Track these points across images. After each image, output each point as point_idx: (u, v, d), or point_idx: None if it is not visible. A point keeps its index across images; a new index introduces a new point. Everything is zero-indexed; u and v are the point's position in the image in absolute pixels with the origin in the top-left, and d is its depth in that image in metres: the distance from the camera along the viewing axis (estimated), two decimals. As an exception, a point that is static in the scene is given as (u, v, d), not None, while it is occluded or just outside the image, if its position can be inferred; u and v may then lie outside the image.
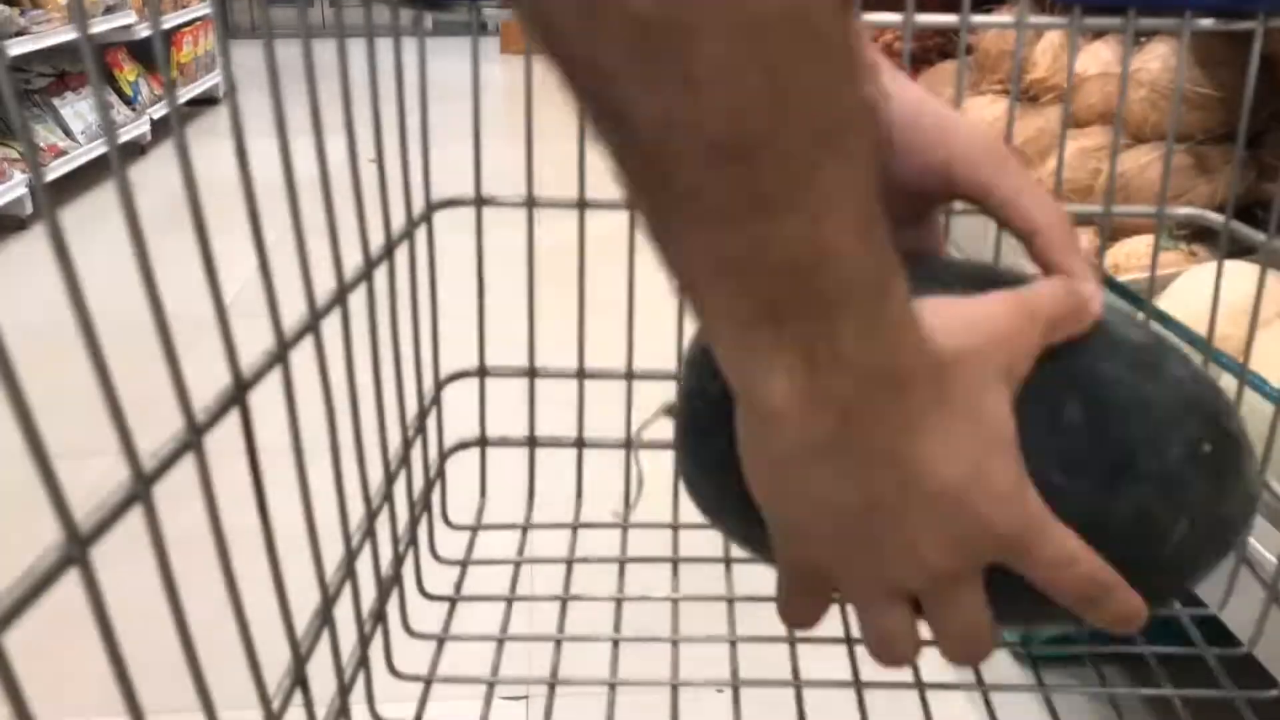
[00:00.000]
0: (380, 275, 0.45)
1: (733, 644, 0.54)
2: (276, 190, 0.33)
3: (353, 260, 0.42)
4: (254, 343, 0.34)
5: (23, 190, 3.23)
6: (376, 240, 0.45)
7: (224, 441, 0.34)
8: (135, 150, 4.36)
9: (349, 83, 0.39)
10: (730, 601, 0.57)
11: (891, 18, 0.51)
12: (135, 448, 0.26)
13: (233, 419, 0.32)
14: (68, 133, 3.89)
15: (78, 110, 3.86)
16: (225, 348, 0.31)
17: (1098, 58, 1.21)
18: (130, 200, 0.26)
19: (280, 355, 0.35)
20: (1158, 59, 1.09)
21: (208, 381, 0.30)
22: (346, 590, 0.43)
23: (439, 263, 0.55)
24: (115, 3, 4.16)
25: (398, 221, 0.49)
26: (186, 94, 4.93)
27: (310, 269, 0.36)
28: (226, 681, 0.37)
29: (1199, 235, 1.11)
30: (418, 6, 0.50)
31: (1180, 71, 0.50)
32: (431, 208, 0.55)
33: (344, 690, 0.43)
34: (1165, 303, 0.86)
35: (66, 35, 3.59)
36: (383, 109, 0.43)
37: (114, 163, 0.25)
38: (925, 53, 1.95)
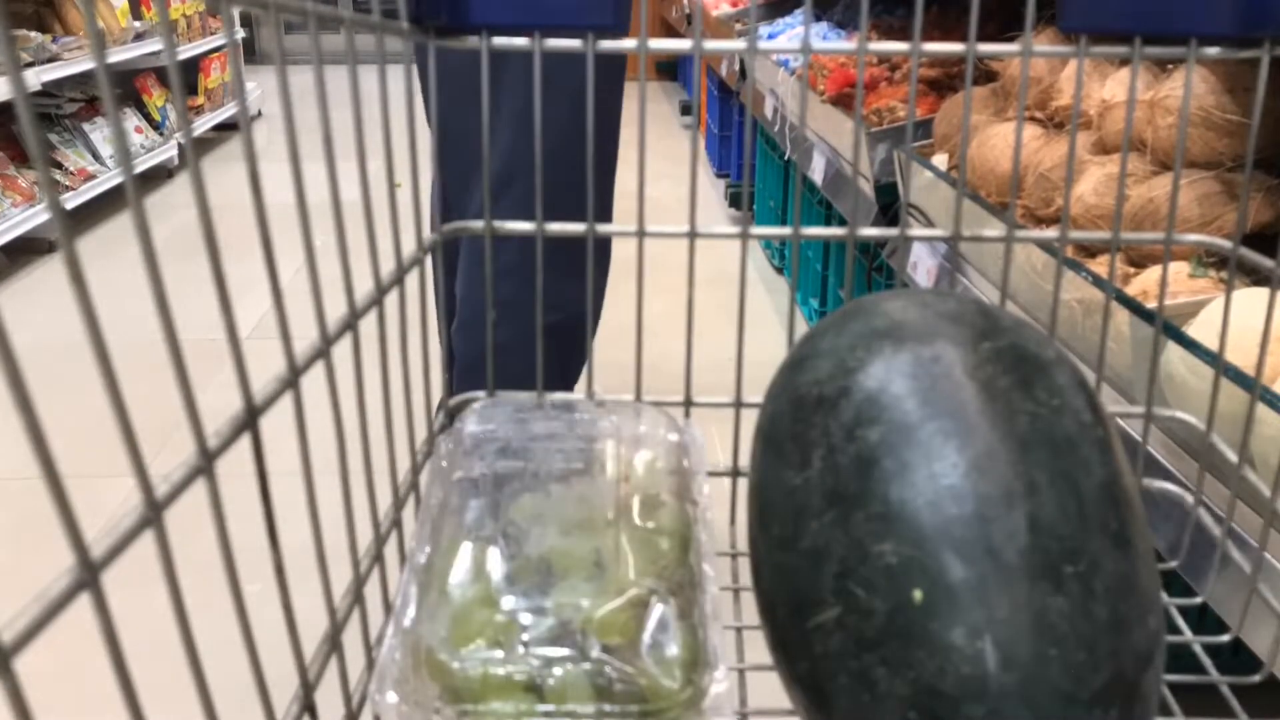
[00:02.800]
0: (392, 301, 0.45)
1: (741, 672, 0.53)
2: (296, 215, 0.33)
3: (366, 286, 0.42)
4: (275, 367, 0.34)
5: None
6: (388, 266, 0.45)
7: (237, 465, 0.34)
8: (163, 174, 4.46)
9: (360, 110, 0.40)
10: (739, 630, 0.56)
11: (899, 46, 0.52)
12: (147, 473, 0.26)
13: (245, 443, 0.32)
14: (97, 157, 3.96)
15: (108, 135, 3.96)
16: (237, 372, 0.31)
17: (1126, 85, 1.21)
18: (147, 233, 0.26)
19: (292, 380, 0.35)
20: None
21: (232, 406, 0.30)
22: (355, 616, 0.43)
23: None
24: (145, 30, 4.30)
25: (410, 248, 0.49)
26: (214, 119, 5.03)
27: (322, 296, 0.36)
28: (235, 706, 0.37)
29: (1227, 262, 1.11)
30: (428, 36, 0.50)
31: (1186, 99, 0.51)
32: (442, 234, 0.55)
33: (352, 717, 0.42)
34: (1195, 329, 0.86)
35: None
36: (400, 136, 0.43)
37: (131, 197, 0.26)
38: (950, 79, 1.97)
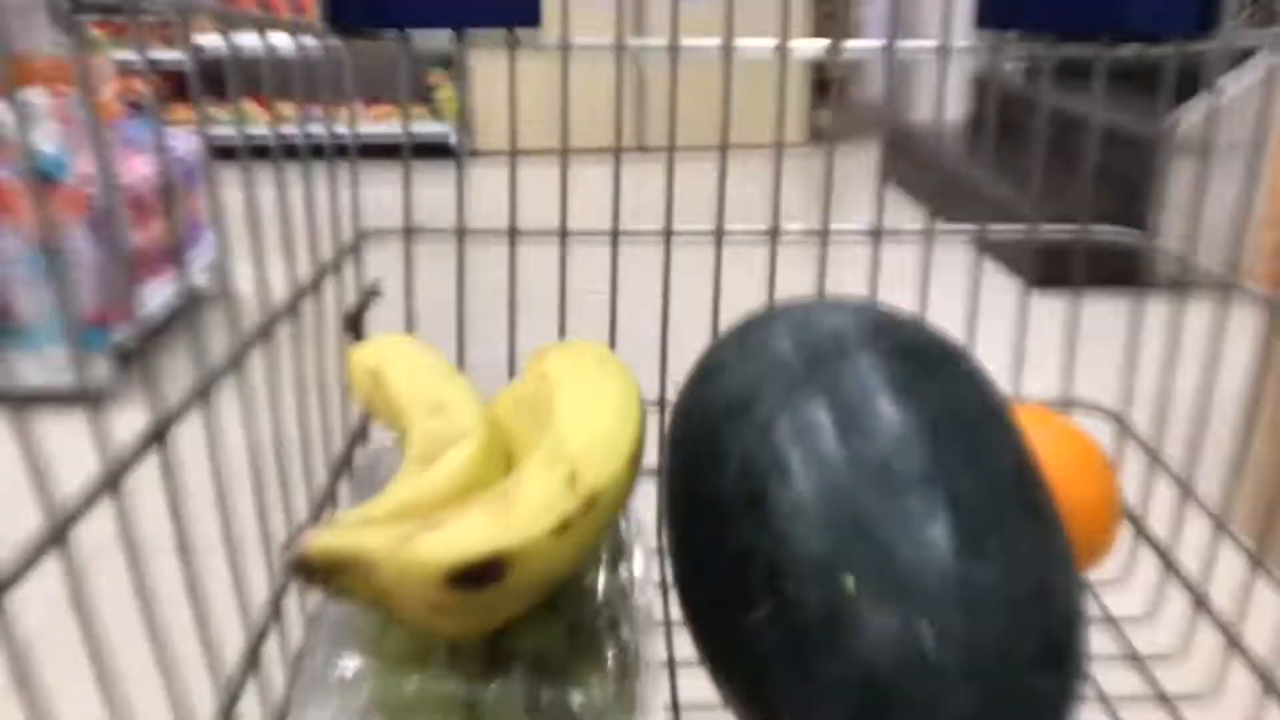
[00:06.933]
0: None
1: (671, 670, 0.53)
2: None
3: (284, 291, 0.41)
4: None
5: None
6: (305, 271, 0.44)
7: (146, 483, 0.33)
8: None
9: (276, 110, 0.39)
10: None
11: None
12: (52, 492, 0.25)
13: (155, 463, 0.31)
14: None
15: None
16: (145, 386, 0.30)
17: None
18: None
19: (203, 390, 0.34)
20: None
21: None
22: (276, 631, 0.42)
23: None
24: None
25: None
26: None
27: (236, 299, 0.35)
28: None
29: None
30: (345, 35, 0.49)
31: (1097, 102, 0.52)
32: (360, 237, 0.54)
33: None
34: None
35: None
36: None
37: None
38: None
